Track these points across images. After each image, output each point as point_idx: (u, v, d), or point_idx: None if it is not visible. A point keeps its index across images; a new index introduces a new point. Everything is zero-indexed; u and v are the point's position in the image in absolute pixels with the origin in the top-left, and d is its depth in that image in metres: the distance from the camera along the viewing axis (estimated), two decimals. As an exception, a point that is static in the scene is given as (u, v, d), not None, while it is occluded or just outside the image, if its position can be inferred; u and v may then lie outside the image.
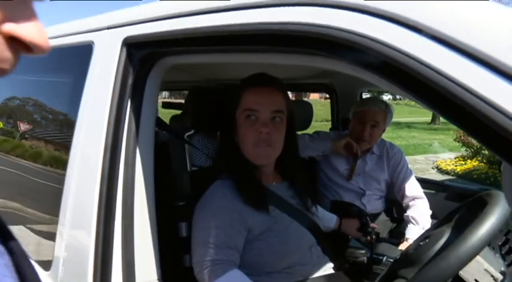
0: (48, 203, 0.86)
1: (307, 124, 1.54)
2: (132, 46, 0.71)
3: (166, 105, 2.67)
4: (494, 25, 0.36)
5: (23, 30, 0.25)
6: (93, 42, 0.80)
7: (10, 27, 0.24)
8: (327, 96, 2.10)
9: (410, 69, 0.37)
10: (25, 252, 0.35)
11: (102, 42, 0.78)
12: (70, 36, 0.89)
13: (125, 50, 0.72)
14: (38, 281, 0.35)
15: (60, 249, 0.76)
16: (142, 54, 0.71)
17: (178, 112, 1.90)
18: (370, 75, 0.43)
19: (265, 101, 0.85)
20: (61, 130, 0.89)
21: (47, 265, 0.78)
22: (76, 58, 0.87)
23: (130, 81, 0.72)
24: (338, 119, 1.99)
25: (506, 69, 0.32)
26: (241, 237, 0.80)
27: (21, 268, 0.33)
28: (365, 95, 2.12)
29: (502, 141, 0.33)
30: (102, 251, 0.67)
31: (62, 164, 0.81)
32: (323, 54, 0.47)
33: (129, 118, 0.72)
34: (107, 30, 0.78)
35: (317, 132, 1.63)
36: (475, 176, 5.68)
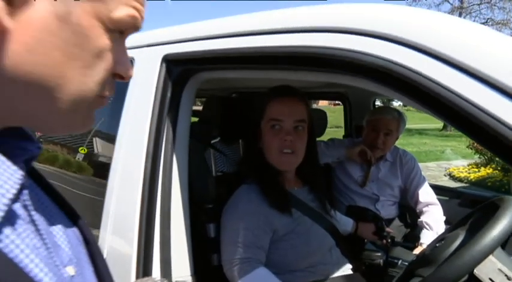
0: (89, 214, 0.93)
1: (321, 131, 1.60)
2: (171, 62, 0.79)
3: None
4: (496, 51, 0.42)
5: (128, 70, 0.31)
6: (133, 58, 0.88)
7: (120, 70, 0.30)
8: (336, 102, 2.14)
9: (425, 87, 0.44)
10: (97, 244, 0.37)
11: (142, 58, 0.86)
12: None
13: (164, 66, 0.80)
14: (109, 273, 0.36)
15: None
16: (180, 70, 0.79)
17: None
18: (388, 91, 0.49)
19: (288, 111, 0.92)
20: (102, 142, 0.97)
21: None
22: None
23: (169, 94, 0.80)
24: (351, 126, 2.04)
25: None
26: (267, 237, 0.86)
27: (95, 259, 0.35)
28: (377, 103, 2.17)
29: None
30: (144, 253, 0.73)
31: (103, 175, 0.87)
32: (349, 74, 0.54)
33: (167, 128, 0.80)
34: (147, 48, 0.86)
35: (332, 140, 1.68)
36: (489, 184, 5.59)
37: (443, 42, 0.45)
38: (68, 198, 0.37)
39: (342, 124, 2.11)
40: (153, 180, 0.76)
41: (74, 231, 0.34)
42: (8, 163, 0.25)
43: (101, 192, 0.84)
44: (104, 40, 0.27)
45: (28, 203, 0.27)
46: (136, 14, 0.29)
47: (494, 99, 0.40)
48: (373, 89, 0.53)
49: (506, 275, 0.67)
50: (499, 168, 6.16)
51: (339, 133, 2.15)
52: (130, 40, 0.96)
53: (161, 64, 0.80)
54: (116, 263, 0.78)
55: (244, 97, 1.59)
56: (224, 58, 0.71)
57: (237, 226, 0.86)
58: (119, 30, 0.28)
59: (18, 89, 0.25)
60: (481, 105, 0.41)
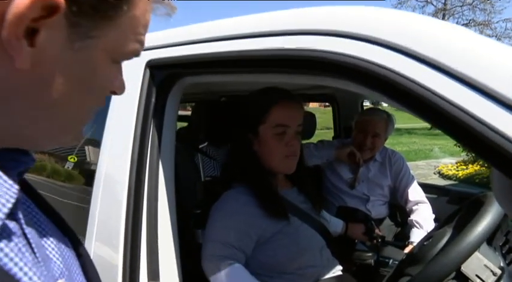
0: (74, 221, 0.90)
1: (311, 133, 1.61)
2: (154, 68, 0.79)
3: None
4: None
5: (124, 88, 0.33)
6: (117, 65, 0.87)
7: (117, 89, 0.32)
8: (327, 104, 2.17)
9: (407, 88, 0.44)
10: (90, 256, 0.37)
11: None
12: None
13: (148, 71, 0.79)
14: None
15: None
16: (164, 75, 0.79)
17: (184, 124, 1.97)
18: (373, 93, 0.50)
19: (295, 115, 0.92)
20: (87, 149, 0.95)
21: None
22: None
23: (153, 99, 0.79)
24: (340, 127, 2.05)
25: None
26: (250, 241, 0.85)
27: (87, 271, 0.35)
28: (365, 104, 2.20)
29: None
30: (131, 262, 0.72)
31: (87, 182, 0.85)
32: (334, 75, 0.54)
33: (152, 134, 0.79)
34: (130, 54, 0.85)
35: (321, 141, 1.69)
36: (477, 180, 5.70)
37: (423, 43, 0.46)
38: (55, 207, 0.36)
39: (332, 126, 2.13)
40: (139, 187, 0.75)
41: (66, 243, 0.34)
42: (5, 177, 0.25)
43: (87, 199, 0.83)
44: (110, 70, 0.30)
45: (20, 216, 0.27)
46: (142, 47, 0.31)
47: (474, 99, 0.41)
48: (354, 90, 0.53)
49: (492, 271, 0.68)
50: (485, 165, 6.29)
51: (329, 135, 2.16)
52: None
53: (145, 70, 0.79)
54: (103, 272, 0.76)
55: (233, 100, 1.60)
56: (208, 62, 0.70)
57: (219, 224, 0.85)
58: (124, 60, 0.31)
59: (27, 116, 0.26)
60: (461, 105, 0.41)
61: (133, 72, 0.82)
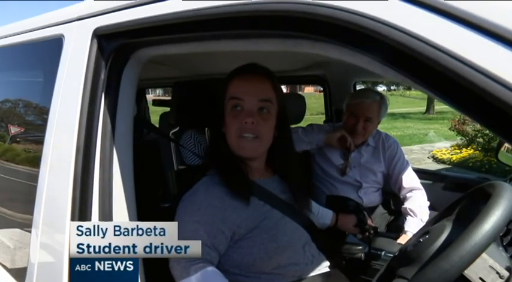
0: (25, 206, 0.81)
1: (300, 117, 1.49)
2: (102, 38, 0.66)
3: (156, 102, 2.61)
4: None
5: None
6: (63, 36, 0.74)
7: None
8: (322, 89, 2.05)
9: (414, 51, 0.32)
10: None
11: (71, 35, 0.72)
12: (40, 30, 0.82)
13: (95, 42, 0.66)
14: None
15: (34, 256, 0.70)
16: (115, 46, 0.66)
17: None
18: (363, 58, 0.38)
19: (251, 89, 0.80)
20: (34, 130, 0.83)
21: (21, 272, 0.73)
22: (46, 53, 0.81)
23: (103, 76, 0.66)
24: (331, 110, 1.94)
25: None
26: (222, 237, 0.75)
27: None
28: (359, 86, 2.08)
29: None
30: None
31: (35, 164, 0.74)
32: (310, 37, 0.42)
33: (104, 117, 0.67)
34: (76, 22, 0.72)
35: (310, 125, 1.58)
36: (470, 164, 5.70)
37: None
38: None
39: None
40: (87, 178, 0.64)
41: None
42: None
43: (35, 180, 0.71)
44: None
45: None
46: None
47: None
48: (336, 56, 0.41)
49: (498, 273, 0.59)
50: (479, 148, 6.30)
51: (323, 120, 2.05)
52: (60, 14, 0.78)
53: (92, 40, 0.66)
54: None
55: (208, 80, 1.47)
56: (164, 27, 0.57)
57: (187, 219, 0.74)
58: None
59: None
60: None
61: (78, 44, 0.69)
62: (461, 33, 0.29)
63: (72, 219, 0.63)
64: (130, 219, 0.70)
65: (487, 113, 0.28)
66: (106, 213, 0.66)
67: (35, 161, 0.74)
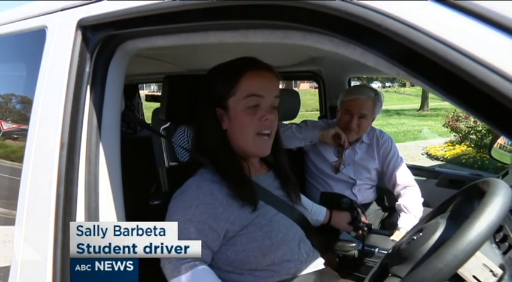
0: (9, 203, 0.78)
1: (294, 113, 1.47)
2: (87, 29, 0.63)
3: (149, 98, 2.58)
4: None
5: None
6: (46, 27, 0.71)
7: None
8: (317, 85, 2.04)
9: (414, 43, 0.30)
10: None
11: (55, 26, 0.69)
12: (22, 21, 0.79)
13: (80, 33, 0.63)
14: None
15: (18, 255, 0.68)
16: (100, 38, 0.63)
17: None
18: (356, 49, 0.36)
19: (269, 86, 0.79)
20: (17, 124, 0.80)
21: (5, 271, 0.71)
22: (29, 45, 0.78)
23: (88, 69, 0.64)
24: (326, 107, 1.93)
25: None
26: (214, 235, 0.74)
27: None
28: (354, 83, 2.07)
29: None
30: (61, 265, 0.59)
31: (19, 159, 0.72)
32: (300, 27, 0.40)
33: (90, 111, 0.64)
34: (60, 12, 0.69)
35: (304, 121, 1.57)
36: (463, 161, 5.76)
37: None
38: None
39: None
40: (71, 175, 0.61)
41: None
42: None
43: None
44: None
45: None
46: None
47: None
48: (329, 48, 0.39)
49: (491, 271, 0.58)
50: (472, 145, 6.37)
51: (318, 116, 2.04)
52: (44, 5, 0.74)
53: (76, 31, 0.64)
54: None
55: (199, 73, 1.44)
56: (149, 18, 0.55)
57: (179, 217, 0.72)
58: None
59: None
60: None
61: (62, 35, 0.66)
62: (459, 23, 0.28)
63: (56, 216, 0.61)
64: (118, 215, 0.68)
65: (484, 105, 0.27)
66: (92, 210, 0.64)
67: (19, 156, 0.72)
